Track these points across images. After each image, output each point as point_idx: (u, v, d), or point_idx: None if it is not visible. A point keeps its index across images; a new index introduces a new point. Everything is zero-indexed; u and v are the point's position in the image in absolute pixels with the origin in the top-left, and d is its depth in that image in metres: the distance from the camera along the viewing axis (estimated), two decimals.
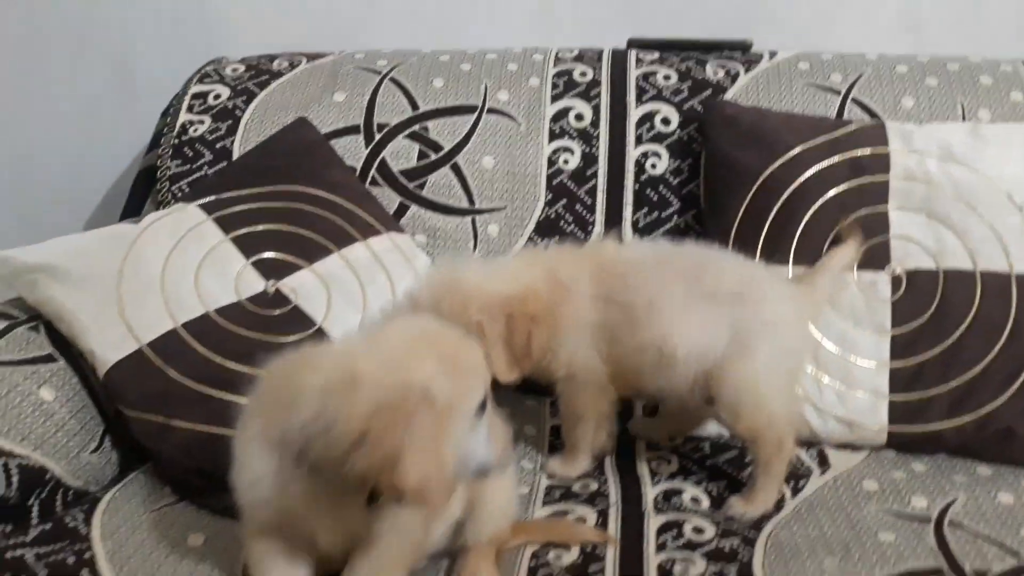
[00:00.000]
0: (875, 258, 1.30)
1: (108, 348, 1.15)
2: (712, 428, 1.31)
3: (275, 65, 1.63)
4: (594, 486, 1.18)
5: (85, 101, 1.84)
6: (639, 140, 1.49)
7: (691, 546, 1.03)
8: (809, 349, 1.27)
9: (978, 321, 1.25)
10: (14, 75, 1.81)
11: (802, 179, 1.33)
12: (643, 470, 1.23)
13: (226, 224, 1.30)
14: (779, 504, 1.13)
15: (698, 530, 1.07)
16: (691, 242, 1.27)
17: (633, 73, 1.54)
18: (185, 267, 1.23)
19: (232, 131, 1.54)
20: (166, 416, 1.12)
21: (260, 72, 1.62)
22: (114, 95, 1.83)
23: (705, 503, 1.15)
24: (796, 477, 1.18)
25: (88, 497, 1.11)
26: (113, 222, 1.40)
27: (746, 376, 1.13)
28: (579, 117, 1.52)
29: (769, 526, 1.07)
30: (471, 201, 1.50)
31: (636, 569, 0.99)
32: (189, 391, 1.12)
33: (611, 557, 1.01)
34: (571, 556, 1.02)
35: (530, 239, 1.47)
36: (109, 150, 1.85)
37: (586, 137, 1.51)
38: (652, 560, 1.00)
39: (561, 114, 1.52)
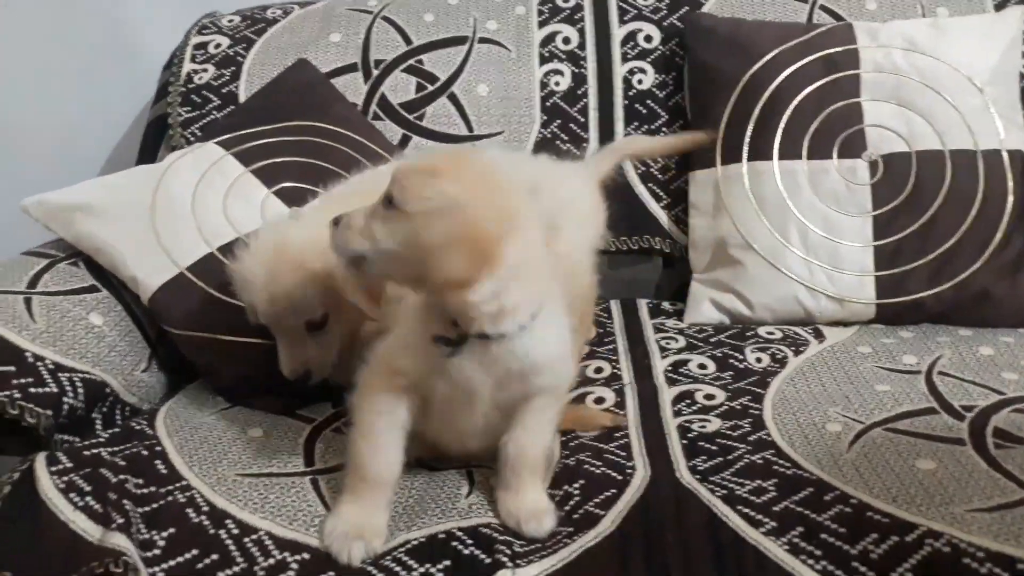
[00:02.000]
0: (852, 146, 1.40)
1: (151, 274, 1.23)
2: (713, 314, 1.41)
3: (269, 14, 1.70)
4: (608, 369, 1.27)
5: (78, 63, 1.86)
6: (625, 58, 1.58)
7: (705, 410, 1.13)
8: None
9: (951, 196, 1.36)
10: (5, 39, 1.85)
11: (780, 80, 1.43)
12: (652, 347, 1.32)
13: (245, 158, 1.37)
14: (783, 361, 1.23)
15: (709, 396, 1.16)
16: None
17: None
18: (213, 198, 1.30)
19: (236, 76, 1.61)
20: (211, 331, 1.20)
21: (256, 21, 1.68)
22: (107, 56, 1.87)
23: (712, 367, 1.24)
24: (796, 345, 1.29)
25: (145, 411, 1.19)
26: None
27: (562, 251, 1.17)
28: (566, 40, 1.60)
29: (774, 384, 1.17)
30: (470, 128, 1.58)
31: (658, 432, 1.08)
32: (230, 307, 1.19)
33: (634, 423, 1.11)
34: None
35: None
36: (106, 110, 1.89)
37: (574, 59, 1.59)
38: (671, 423, 1.09)
39: (549, 39, 1.60)
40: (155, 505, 0.94)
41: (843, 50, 1.43)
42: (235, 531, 0.91)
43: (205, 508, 0.94)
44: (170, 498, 0.95)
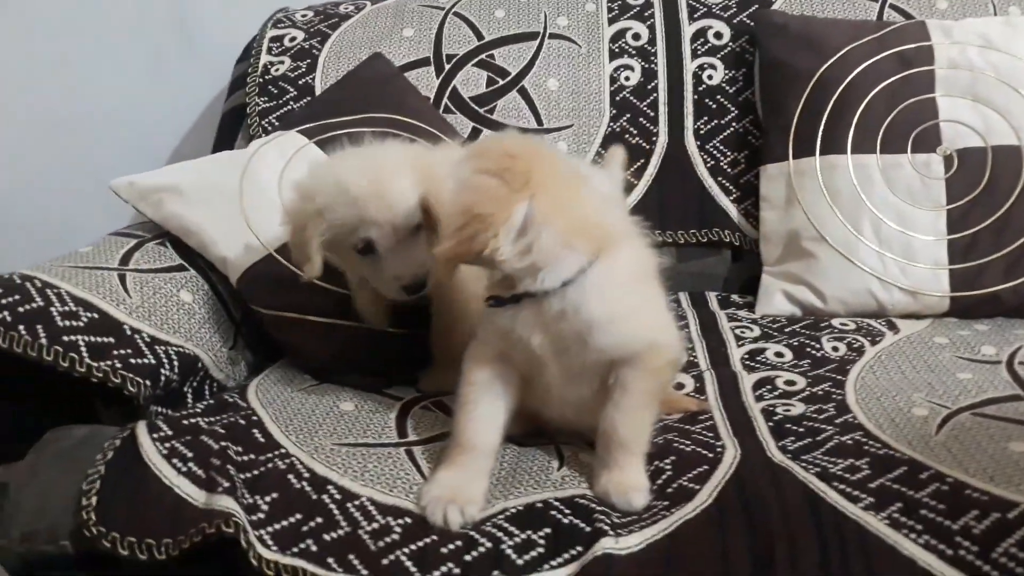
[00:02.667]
0: (927, 141, 1.40)
1: (240, 255, 1.26)
2: (785, 306, 1.42)
3: (341, 9, 1.74)
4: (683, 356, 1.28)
5: (149, 57, 1.92)
6: (695, 54, 1.60)
7: (787, 395, 1.13)
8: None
9: None
10: (79, 38, 1.90)
11: (853, 75, 1.44)
12: (728, 336, 1.33)
13: (326, 146, 1.40)
14: (860, 350, 1.24)
15: (790, 382, 1.17)
16: None
17: None
18: None
19: (312, 69, 1.64)
20: (299, 311, 1.23)
21: (329, 16, 1.72)
22: (177, 50, 1.92)
23: (789, 355, 1.25)
24: (871, 335, 1.29)
25: (232, 387, 1.21)
26: None
27: None
28: (636, 36, 1.62)
29: (854, 371, 1.17)
30: (539, 121, 1.60)
31: (742, 416, 1.08)
32: (316, 287, 1.21)
33: (716, 407, 1.11)
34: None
35: (598, 153, 1.57)
36: (177, 102, 1.94)
37: (644, 54, 1.61)
38: (754, 407, 1.10)
39: (619, 35, 1.62)
40: (256, 472, 0.96)
41: (916, 47, 1.44)
42: (337, 496, 0.93)
43: (306, 475, 0.96)
44: (270, 465, 0.97)
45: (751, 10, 1.61)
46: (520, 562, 0.85)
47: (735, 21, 1.61)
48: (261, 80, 1.65)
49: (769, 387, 1.16)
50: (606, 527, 0.87)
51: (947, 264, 1.37)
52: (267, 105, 1.63)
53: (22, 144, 1.94)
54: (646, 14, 1.63)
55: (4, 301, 1.07)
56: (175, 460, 0.97)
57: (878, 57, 1.44)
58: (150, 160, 1.95)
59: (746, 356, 1.26)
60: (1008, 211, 1.36)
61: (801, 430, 1.02)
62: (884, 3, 1.59)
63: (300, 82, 1.63)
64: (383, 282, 1.11)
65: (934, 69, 1.42)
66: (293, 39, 1.69)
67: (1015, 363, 1.17)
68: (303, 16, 1.73)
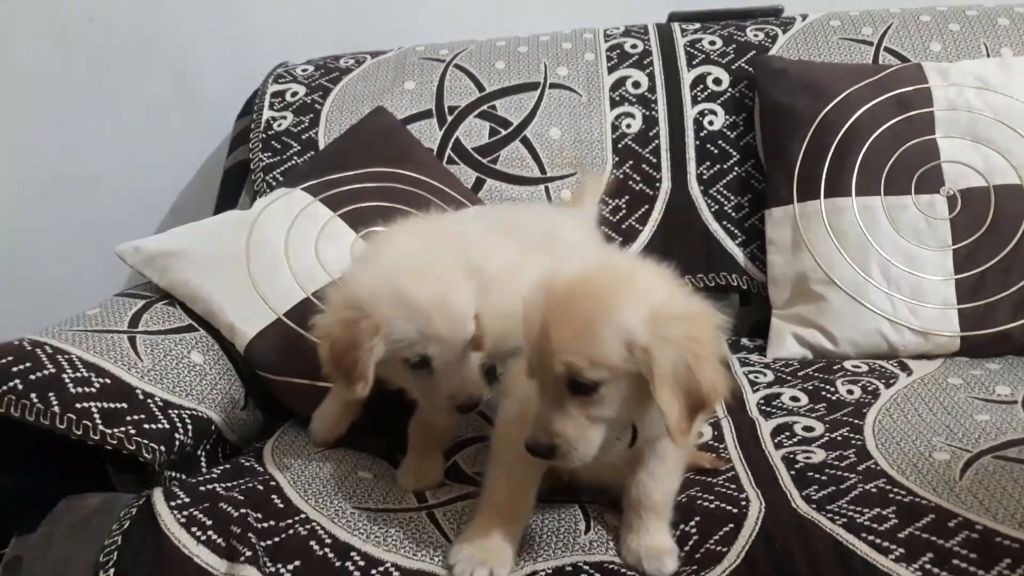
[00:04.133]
0: (930, 182, 1.42)
1: (247, 320, 1.25)
2: (796, 349, 1.42)
3: (342, 63, 1.75)
4: None
5: (149, 113, 1.93)
6: (695, 100, 1.61)
7: (806, 441, 1.13)
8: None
9: None
10: (82, 92, 1.91)
11: (854, 118, 1.46)
12: (742, 381, 1.32)
13: (331, 203, 1.40)
14: (875, 393, 1.23)
15: (808, 428, 1.16)
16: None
17: (680, 41, 1.67)
18: (304, 243, 1.33)
19: (314, 123, 1.65)
20: (309, 377, 1.21)
21: (329, 70, 1.73)
22: (177, 106, 1.93)
23: (804, 400, 1.24)
24: (884, 377, 1.29)
25: (249, 448, 1.19)
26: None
27: None
28: (636, 84, 1.64)
29: (871, 414, 1.17)
30: (543, 170, 1.61)
31: (763, 464, 1.07)
32: None
33: (736, 456, 1.10)
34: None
35: (602, 200, 1.58)
36: (175, 158, 1.95)
37: (645, 102, 1.62)
38: (775, 454, 1.09)
39: (619, 83, 1.64)
40: (277, 539, 0.94)
41: (915, 89, 1.46)
42: (361, 563, 0.91)
43: (328, 540, 0.94)
44: (291, 531, 0.96)
45: (749, 56, 1.63)
46: None
47: (733, 67, 1.63)
48: (264, 135, 1.65)
49: (788, 433, 1.15)
50: None
51: (956, 304, 1.37)
52: (271, 160, 1.63)
53: (20, 205, 1.94)
54: (645, 62, 1.65)
55: (15, 369, 1.06)
56: (194, 528, 0.95)
57: (878, 100, 1.47)
58: (151, 216, 1.96)
59: (762, 401, 1.25)
60: (1014, 249, 1.37)
61: (824, 478, 1.02)
62: (879, 47, 1.61)
63: (303, 137, 1.64)
64: (433, 399, 1.02)
65: (933, 111, 1.44)
66: (295, 94, 1.70)
67: None
68: (304, 71, 1.74)
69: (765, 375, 1.35)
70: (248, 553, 0.91)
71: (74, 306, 1.30)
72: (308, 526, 0.96)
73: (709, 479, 1.04)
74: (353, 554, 0.92)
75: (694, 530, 0.95)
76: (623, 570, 0.90)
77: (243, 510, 0.97)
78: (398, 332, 0.98)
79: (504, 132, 1.63)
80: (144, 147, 1.93)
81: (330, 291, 1.06)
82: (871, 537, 0.89)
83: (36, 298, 1.91)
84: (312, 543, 0.94)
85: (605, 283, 0.85)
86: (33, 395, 1.03)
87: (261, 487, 1.03)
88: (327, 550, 0.93)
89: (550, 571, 0.90)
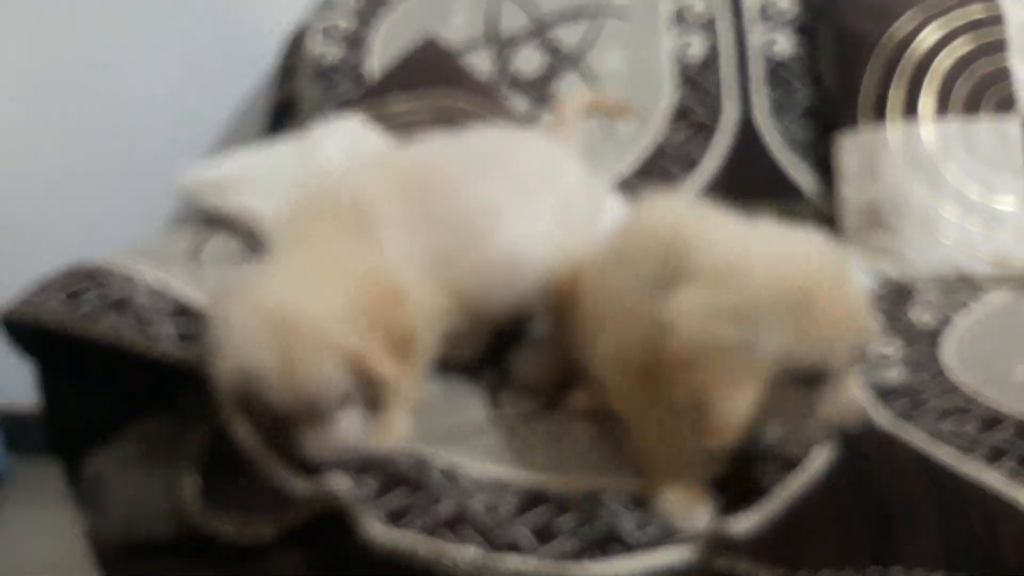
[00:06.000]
0: (1002, 105, 1.37)
1: None
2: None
3: None
4: None
5: (189, 47, 1.89)
6: (758, 26, 1.57)
7: (882, 364, 1.09)
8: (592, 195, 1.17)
9: None
10: (117, 26, 1.88)
11: (924, 40, 1.41)
12: None
13: (391, 131, 1.38)
14: (948, 321, 1.20)
15: (883, 355, 1.13)
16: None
17: None
18: None
19: (364, 55, 1.62)
20: None
21: (376, 2, 1.69)
22: (216, 40, 1.88)
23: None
24: (958, 306, 1.25)
25: None
26: None
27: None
28: (696, 11, 1.59)
29: (946, 340, 1.15)
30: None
31: None
32: None
33: None
34: None
35: (664, 131, 1.55)
36: (216, 94, 1.90)
37: (707, 29, 1.58)
38: None
39: (680, 10, 1.59)
40: (360, 457, 0.93)
41: (986, 10, 1.41)
42: (442, 473, 0.91)
43: (409, 454, 0.94)
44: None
45: None
46: (637, 540, 0.83)
47: None
48: (313, 69, 1.63)
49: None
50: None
51: None
52: (321, 95, 1.61)
53: (56, 145, 1.92)
54: None
55: (87, 292, 1.05)
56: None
57: (948, 19, 1.41)
58: (193, 155, 1.93)
59: None
60: None
61: (903, 395, 1.00)
62: None
63: (353, 70, 1.62)
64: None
65: (1005, 33, 1.39)
66: (344, 26, 1.66)
67: None
68: (351, 2, 1.71)
69: None
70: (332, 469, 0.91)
71: (119, 244, 1.29)
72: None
73: None
74: (434, 465, 0.92)
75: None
76: None
77: None
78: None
79: (560, 62, 1.60)
80: (184, 83, 1.90)
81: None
82: (953, 443, 0.88)
83: (74, 238, 1.88)
84: (394, 457, 0.93)
85: None
86: (110, 317, 1.02)
87: None
88: (407, 462, 0.92)
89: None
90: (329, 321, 0.87)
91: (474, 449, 0.95)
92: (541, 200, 1.02)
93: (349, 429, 0.91)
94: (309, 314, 0.87)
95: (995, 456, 0.86)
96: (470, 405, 1.05)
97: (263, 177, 1.29)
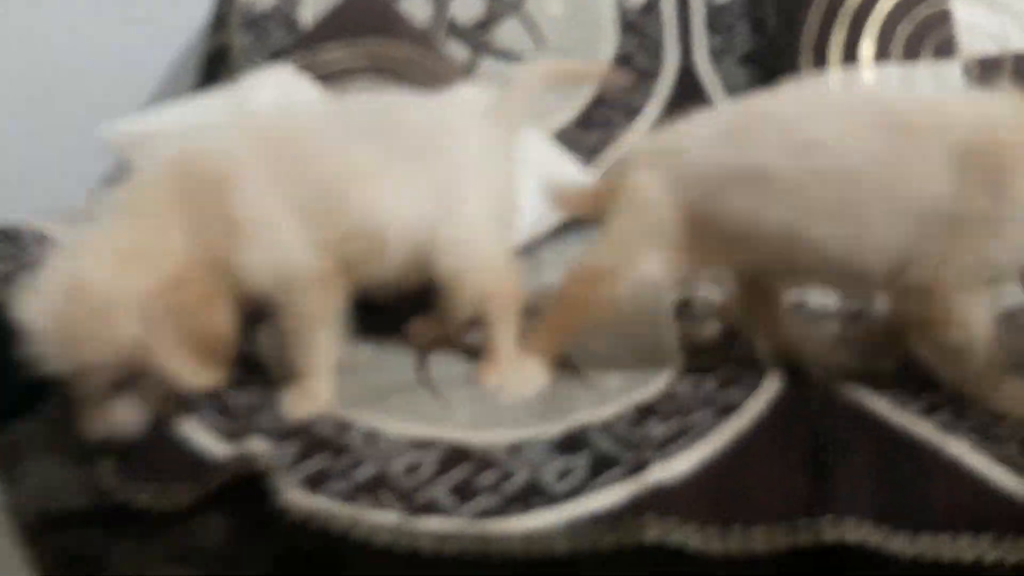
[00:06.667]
0: (944, 49, 1.36)
1: None
2: None
3: None
4: None
5: None
6: None
7: (821, 317, 1.09)
8: (514, 179, 1.09)
9: None
10: None
11: None
12: None
13: (321, 82, 1.34)
14: None
15: (822, 305, 1.11)
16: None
17: None
18: None
19: (297, 2, 1.58)
20: None
21: None
22: None
23: None
24: None
25: None
26: None
27: (462, 235, 1.00)
28: None
29: None
30: (542, 46, 1.54)
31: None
32: None
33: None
34: (713, 330, 1.09)
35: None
36: (154, 41, 1.82)
37: None
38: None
39: None
40: (280, 424, 0.91)
41: None
42: (362, 436, 0.89)
43: (329, 420, 0.91)
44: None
45: None
46: (560, 489, 0.82)
47: None
48: (244, 17, 1.58)
49: (801, 307, 1.11)
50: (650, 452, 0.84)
51: None
52: (252, 44, 1.56)
53: None
54: None
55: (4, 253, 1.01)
56: (198, 416, 0.91)
57: None
58: (127, 108, 1.87)
59: None
60: None
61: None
62: None
63: (285, 17, 1.57)
64: None
65: None
66: None
67: None
68: None
69: None
70: (251, 431, 0.89)
71: (54, 199, 1.25)
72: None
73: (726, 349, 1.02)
74: (354, 428, 0.90)
75: (713, 385, 0.93)
76: (633, 428, 0.88)
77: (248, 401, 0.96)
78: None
79: (500, 7, 1.55)
80: (119, 33, 1.82)
81: None
82: (890, 395, 0.88)
83: (13, 192, 1.83)
84: (314, 423, 0.92)
85: None
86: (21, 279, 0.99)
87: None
88: (328, 426, 0.91)
89: (559, 433, 0.88)
90: (124, 304, 0.84)
91: (397, 410, 0.93)
92: (416, 168, 0.98)
93: (124, 416, 0.88)
94: (104, 294, 0.84)
95: (931, 408, 0.86)
96: (398, 366, 1.03)
97: (192, 132, 1.24)
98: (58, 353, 0.85)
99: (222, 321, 0.90)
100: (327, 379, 0.95)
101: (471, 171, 1.01)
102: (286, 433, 0.89)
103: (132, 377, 0.87)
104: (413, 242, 0.97)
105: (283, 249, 0.92)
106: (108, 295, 0.84)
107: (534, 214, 1.30)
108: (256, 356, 0.99)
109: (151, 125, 1.26)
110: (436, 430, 0.89)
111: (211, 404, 0.93)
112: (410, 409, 0.93)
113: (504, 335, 1.01)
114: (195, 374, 0.89)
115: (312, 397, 0.94)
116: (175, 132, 1.24)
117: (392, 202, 0.96)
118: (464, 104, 1.13)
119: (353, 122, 1.00)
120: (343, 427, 0.90)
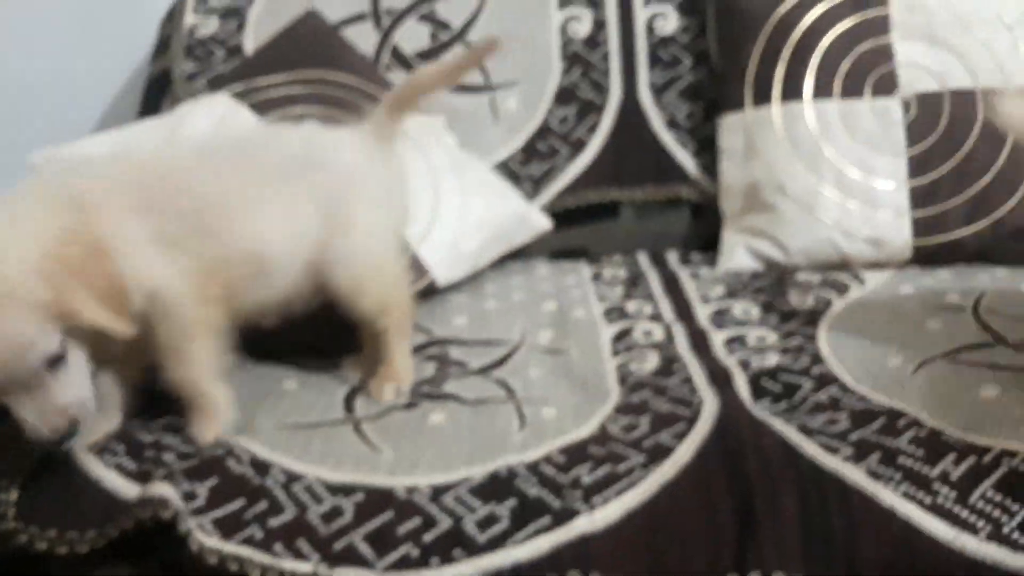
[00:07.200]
0: (885, 85, 1.36)
1: None
2: (747, 261, 1.38)
3: None
4: (648, 308, 1.23)
5: (75, 15, 1.77)
6: (646, 1, 1.54)
7: (760, 349, 1.08)
8: (402, 189, 1.13)
9: (984, 133, 1.33)
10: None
11: (809, 18, 1.40)
12: (691, 295, 1.27)
13: (261, 110, 1.31)
14: (827, 304, 1.19)
15: (761, 338, 1.12)
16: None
17: None
18: None
19: (240, 28, 1.55)
20: None
21: None
22: (104, 8, 1.78)
23: (756, 312, 1.20)
24: (837, 287, 1.25)
25: None
26: None
27: (357, 246, 1.01)
28: None
29: (824, 323, 1.13)
30: (487, 77, 1.52)
31: (716, 367, 1.03)
32: None
33: (688, 359, 1.06)
34: (652, 364, 1.07)
35: (549, 111, 1.51)
36: (102, 64, 1.80)
37: (593, 3, 1.54)
38: (728, 359, 1.05)
39: None
40: (193, 460, 0.88)
41: None
42: (281, 479, 0.86)
43: (246, 458, 0.88)
44: (207, 452, 0.90)
45: None
46: (482, 539, 0.79)
47: None
48: (187, 43, 1.55)
49: (740, 342, 1.11)
50: (577, 501, 0.81)
51: (909, 211, 1.33)
52: (194, 69, 1.53)
53: None
54: None
55: None
56: (104, 454, 0.88)
57: (834, 0, 1.40)
58: (74, 131, 1.82)
59: (714, 314, 1.21)
60: (968, 155, 1.33)
61: (778, 383, 0.98)
62: None
63: (229, 44, 1.54)
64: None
65: (889, 11, 1.38)
66: None
67: (980, 309, 1.14)
68: None
69: (716, 289, 1.29)
70: (161, 473, 0.85)
71: None
72: (226, 444, 0.91)
73: (663, 382, 1.00)
74: (272, 470, 0.87)
75: (646, 426, 0.91)
76: (561, 474, 0.85)
77: (156, 434, 0.92)
78: None
79: (446, 36, 1.54)
80: (67, 54, 1.79)
81: None
82: (822, 439, 0.86)
83: None
84: (230, 461, 0.88)
85: None
86: None
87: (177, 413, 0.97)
88: (245, 467, 0.87)
89: (483, 477, 0.85)
90: (20, 275, 0.79)
91: (319, 452, 0.90)
92: (295, 189, 0.98)
93: (68, 390, 0.83)
94: None
95: (861, 453, 0.84)
96: (323, 405, 1.00)
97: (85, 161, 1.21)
98: None
99: (116, 271, 0.85)
100: (219, 391, 0.95)
101: (354, 182, 1.02)
102: (199, 472, 0.86)
103: (62, 350, 0.82)
104: (302, 260, 0.99)
105: (145, 270, 0.89)
106: (6, 275, 0.79)
107: (477, 246, 1.30)
108: (163, 390, 0.95)
109: (78, 151, 1.22)
110: (358, 475, 0.86)
111: (118, 440, 0.90)
112: (333, 451, 0.90)
113: (399, 346, 1.04)
114: (115, 322, 0.83)
115: (213, 415, 0.93)
116: (101, 159, 1.20)
117: (269, 224, 0.96)
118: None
119: (226, 154, 1.01)
120: (261, 468, 0.87)
